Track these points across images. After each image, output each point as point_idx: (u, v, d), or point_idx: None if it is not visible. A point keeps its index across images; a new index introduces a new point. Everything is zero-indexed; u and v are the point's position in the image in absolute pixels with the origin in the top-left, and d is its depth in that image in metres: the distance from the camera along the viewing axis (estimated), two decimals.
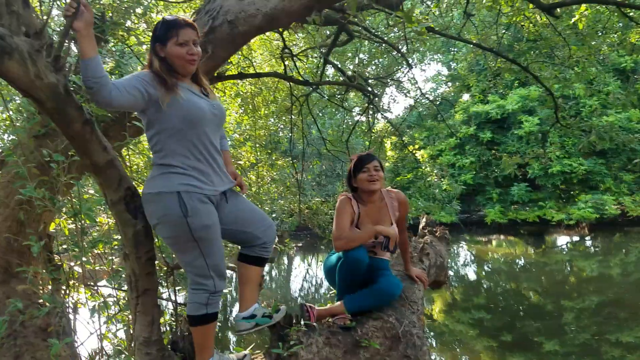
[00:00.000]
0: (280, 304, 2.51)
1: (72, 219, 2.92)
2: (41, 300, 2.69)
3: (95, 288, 2.96)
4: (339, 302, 2.66)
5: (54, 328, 2.58)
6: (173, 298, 2.65)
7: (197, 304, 2.17)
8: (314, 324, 2.49)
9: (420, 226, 3.82)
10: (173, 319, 2.65)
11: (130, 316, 2.42)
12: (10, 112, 3.39)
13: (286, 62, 6.25)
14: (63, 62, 1.86)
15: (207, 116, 2.15)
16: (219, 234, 2.20)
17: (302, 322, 2.50)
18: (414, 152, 11.67)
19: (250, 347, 2.65)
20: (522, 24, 6.89)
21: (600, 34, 7.00)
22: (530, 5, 5.60)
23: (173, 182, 2.06)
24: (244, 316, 2.41)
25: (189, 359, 2.31)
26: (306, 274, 13.84)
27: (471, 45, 6.34)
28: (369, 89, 6.29)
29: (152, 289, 2.29)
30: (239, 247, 2.46)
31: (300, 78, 6.42)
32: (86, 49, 1.78)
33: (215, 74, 4.06)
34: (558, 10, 4.55)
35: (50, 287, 2.86)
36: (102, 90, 1.81)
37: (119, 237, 2.46)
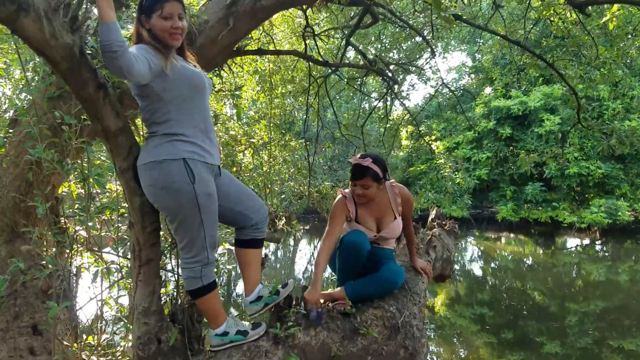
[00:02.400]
0: (284, 281, 2.50)
1: (81, 183, 2.92)
2: (44, 262, 2.69)
3: (100, 254, 2.97)
4: (339, 288, 2.64)
5: (54, 291, 2.59)
6: (176, 270, 2.64)
7: (191, 278, 2.18)
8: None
9: (430, 218, 3.77)
10: (175, 290, 2.65)
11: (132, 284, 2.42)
12: (29, 73, 3.37)
13: (307, 41, 6.16)
14: (80, 23, 1.83)
15: (206, 84, 2.19)
16: (217, 205, 2.19)
17: (302, 304, 2.49)
18: (429, 142, 11.54)
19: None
20: (551, 19, 6.71)
21: (630, 36, 6.81)
22: (561, 1, 5.44)
23: (178, 149, 2.05)
24: (251, 300, 2.42)
25: (188, 331, 2.31)
26: (311, 257, 13.89)
27: (497, 37, 6.18)
28: (389, 74, 6.19)
29: (155, 259, 2.29)
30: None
31: (320, 58, 6.33)
32: (107, 11, 1.73)
33: (235, 48, 4.01)
34: (589, 8, 4.40)
35: (54, 249, 2.87)
36: (125, 56, 1.75)
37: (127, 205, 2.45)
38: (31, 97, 3.00)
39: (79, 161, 3.19)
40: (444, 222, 3.62)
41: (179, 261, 2.31)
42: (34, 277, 2.56)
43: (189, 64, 2.24)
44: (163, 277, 2.80)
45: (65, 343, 2.65)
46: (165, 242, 2.61)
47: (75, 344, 2.62)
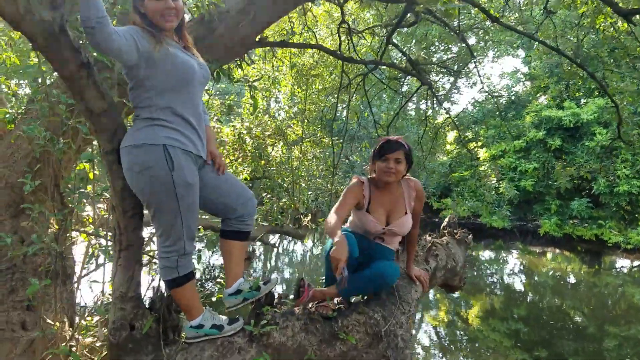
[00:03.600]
0: (267, 277, 2.43)
1: (89, 163, 2.95)
2: (45, 240, 2.73)
3: (98, 235, 2.99)
4: (333, 285, 2.56)
5: (43, 268, 2.62)
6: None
7: (167, 268, 2.14)
8: (295, 308, 2.39)
9: (442, 225, 3.60)
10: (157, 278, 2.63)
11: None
12: None
13: (342, 38, 6.06)
14: (61, 0, 1.81)
15: (196, 75, 2.12)
16: (198, 196, 2.14)
17: (291, 297, 2.43)
18: (475, 149, 11.19)
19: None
20: (603, 28, 6.32)
21: None
22: (609, 9, 5.10)
23: (159, 134, 2.01)
24: (230, 292, 2.37)
25: (164, 320, 2.27)
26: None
27: (537, 43, 5.89)
28: (422, 76, 5.99)
29: (136, 244, 2.26)
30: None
31: (355, 56, 6.21)
32: None
33: (258, 39, 3.97)
34: (638, 17, 4.08)
35: (56, 228, 2.91)
36: (104, 31, 1.72)
37: None
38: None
39: (90, 143, 3.24)
40: (455, 231, 3.44)
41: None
42: (23, 254, 2.59)
43: (185, 52, 2.20)
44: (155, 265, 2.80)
45: (48, 321, 2.68)
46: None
47: (57, 323, 2.64)
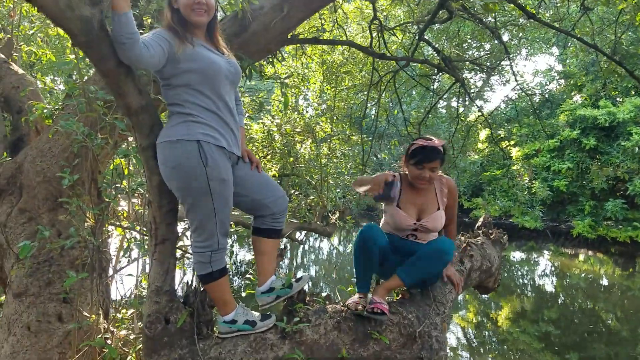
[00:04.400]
0: (298, 274, 2.42)
1: (125, 159, 2.99)
2: (80, 232, 2.78)
3: (133, 229, 3.03)
4: (394, 276, 2.46)
5: (80, 261, 2.67)
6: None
7: (201, 263, 2.16)
8: (327, 306, 2.37)
9: (477, 225, 3.53)
10: (191, 272, 2.64)
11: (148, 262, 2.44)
12: None
13: (374, 34, 6.00)
14: None
15: (222, 72, 2.13)
16: (232, 191, 2.15)
17: (323, 294, 2.40)
18: (507, 147, 10.97)
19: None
20: None
21: None
22: None
23: (194, 130, 2.03)
24: (262, 290, 2.37)
25: (198, 315, 2.29)
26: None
27: (576, 41, 5.72)
28: (455, 73, 5.89)
29: (171, 239, 2.29)
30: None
31: (387, 52, 6.14)
32: (120, 2, 1.75)
33: (290, 36, 3.96)
34: None
35: (93, 222, 2.95)
36: (134, 47, 1.81)
37: None
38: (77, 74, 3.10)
39: (125, 138, 3.29)
40: (490, 231, 3.37)
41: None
42: (60, 247, 2.64)
43: (215, 51, 2.21)
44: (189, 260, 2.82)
45: (84, 313, 2.73)
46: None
47: (93, 316, 2.69)
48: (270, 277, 2.36)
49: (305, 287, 2.42)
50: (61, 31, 4.99)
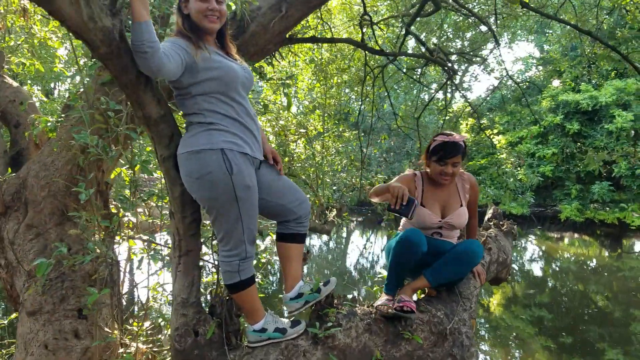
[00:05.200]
0: (324, 279, 2.40)
1: (131, 169, 2.93)
2: (98, 247, 2.71)
3: (145, 241, 2.97)
4: (420, 277, 2.47)
5: (97, 276, 2.61)
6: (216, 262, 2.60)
7: (229, 272, 2.12)
8: (356, 308, 2.36)
9: (486, 217, 3.55)
10: (216, 283, 2.60)
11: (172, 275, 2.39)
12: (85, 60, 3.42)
13: (364, 30, 5.98)
14: (120, 6, 1.78)
15: (239, 78, 2.10)
16: (257, 198, 2.12)
17: (349, 296, 2.37)
18: (491, 136, 11.06)
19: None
20: (627, 9, 6.18)
21: None
22: None
23: (217, 139, 1.99)
24: (291, 297, 2.33)
25: (226, 325, 2.25)
26: (363, 249, 13.79)
27: (567, 28, 5.78)
28: (449, 64, 5.91)
29: (195, 250, 2.25)
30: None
31: (378, 47, 6.14)
32: (141, 10, 1.71)
33: (288, 36, 3.92)
34: None
35: (98, 235, 2.89)
36: (155, 57, 1.76)
37: None
38: (85, 82, 3.03)
39: (130, 148, 3.22)
40: (501, 223, 3.39)
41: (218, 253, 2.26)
42: (76, 262, 2.58)
43: (227, 57, 2.18)
44: (207, 268, 2.78)
45: (106, 329, 2.67)
46: (206, 233, 2.56)
47: (115, 331, 2.63)
48: (298, 283, 2.33)
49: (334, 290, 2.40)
50: (49, 41, 4.89)
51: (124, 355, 2.37)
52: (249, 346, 2.23)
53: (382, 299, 2.44)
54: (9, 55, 4.41)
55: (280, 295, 2.46)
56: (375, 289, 2.86)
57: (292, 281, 2.33)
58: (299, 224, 2.32)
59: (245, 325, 2.28)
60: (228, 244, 2.10)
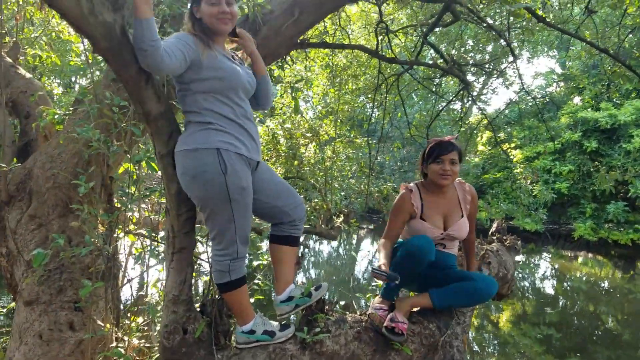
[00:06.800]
0: (317, 283, 2.39)
1: (135, 165, 2.95)
2: (93, 240, 2.74)
3: (144, 236, 2.99)
4: (424, 294, 2.42)
5: (94, 269, 2.63)
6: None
7: (220, 271, 2.13)
8: (347, 316, 2.34)
9: (490, 232, 3.50)
10: (209, 281, 2.61)
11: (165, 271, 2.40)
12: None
13: (380, 38, 5.97)
14: (122, 2, 1.80)
15: (242, 81, 2.12)
16: (252, 199, 2.12)
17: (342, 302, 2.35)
18: (507, 150, 10.94)
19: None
20: None
21: None
22: None
23: (213, 138, 2.00)
24: (282, 299, 2.33)
25: (215, 325, 2.25)
26: (373, 257, 13.71)
27: (586, 44, 5.70)
28: (464, 76, 5.87)
29: (189, 247, 2.25)
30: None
31: (393, 55, 6.12)
32: (143, 7, 1.72)
33: (299, 40, 3.92)
34: None
35: (98, 229, 2.91)
36: (156, 54, 1.78)
37: None
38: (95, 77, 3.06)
39: (134, 144, 3.24)
40: (504, 237, 3.34)
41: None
42: (74, 254, 2.60)
43: (234, 60, 2.19)
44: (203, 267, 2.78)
45: (99, 322, 2.68)
46: (200, 231, 2.57)
47: (108, 325, 2.64)
48: (289, 286, 2.32)
49: (325, 296, 2.38)
50: (66, 34, 4.97)
51: (116, 350, 2.37)
52: (237, 347, 2.23)
53: (377, 304, 2.41)
54: (26, 47, 4.48)
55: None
56: (368, 296, 2.83)
57: (284, 284, 2.33)
58: (293, 227, 2.32)
59: (235, 326, 2.28)
60: (220, 243, 2.10)
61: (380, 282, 2.56)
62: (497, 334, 8.29)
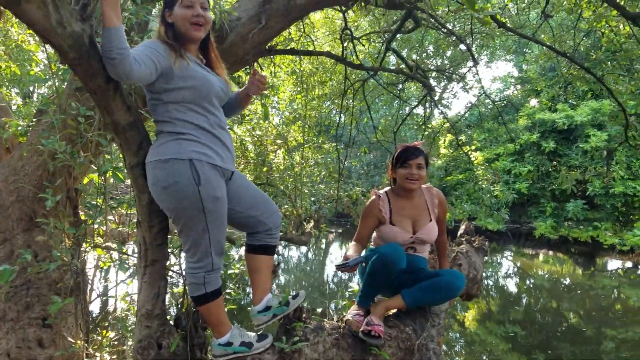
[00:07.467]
0: (295, 291, 2.38)
1: (102, 176, 2.88)
2: (61, 255, 2.65)
3: (111, 250, 2.92)
4: (396, 296, 2.45)
5: (62, 284, 2.55)
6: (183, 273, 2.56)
7: (195, 284, 2.08)
8: (325, 323, 2.34)
9: (459, 233, 3.57)
10: (183, 294, 2.56)
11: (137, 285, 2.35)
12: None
13: (345, 44, 6.03)
14: (91, 12, 1.76)
15: (215, 90, 2.08)
16: (226, 210, 2.09)
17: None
18: (468, 152, 11.19)
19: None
20: (603, 31, 6.36)
21: None
22: (614, 12, 5.13)
23: (185, 149, 1.96)
24: (259, 309, 2.30)
25: (191, 338, 2.21)
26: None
27: (544, 48, 5.90)
28: (427, 81, 5.99)
29: (161, 260, 2.21)
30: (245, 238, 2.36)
31: (358, 62, 6.18)
32: (111, 16, 1.68)
33: (267, 47, 3.92)
34: None
35: (65, 242, 2.83)
36: (124, 63, 1.73)
37: None
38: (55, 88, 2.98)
39: (99, 154, 3.17)
40: (472, 239, 3.41)
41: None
42: (41, 270, 2.52)
43: (206, 68, 2.15)
44: (174, 279, 2.73)
45: (69, 339, 2.60)
46: (173, 243, 2.52)
47: (79, 341, 2.57)
48: (267, 296, 2.30)
49: (303, 304, 2.38)
50: (27, 44, 4.82)
51: None
52: None
53: (353, 311, 2.42)
54: None
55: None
56: (345, 303, 2.84)
57: (261, 293, 2.30)
58: (269, 236, 2.30)
59: (211, 338, 2.24)
60: (194, 255, 2.06)
61: (356, 288, 2.58)
62: (464, 332, 8.41)
